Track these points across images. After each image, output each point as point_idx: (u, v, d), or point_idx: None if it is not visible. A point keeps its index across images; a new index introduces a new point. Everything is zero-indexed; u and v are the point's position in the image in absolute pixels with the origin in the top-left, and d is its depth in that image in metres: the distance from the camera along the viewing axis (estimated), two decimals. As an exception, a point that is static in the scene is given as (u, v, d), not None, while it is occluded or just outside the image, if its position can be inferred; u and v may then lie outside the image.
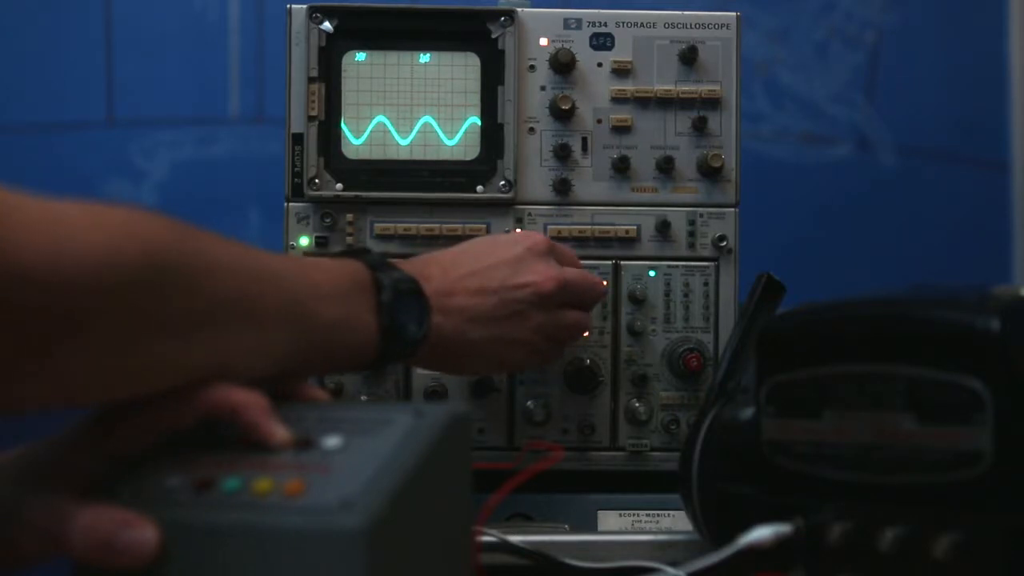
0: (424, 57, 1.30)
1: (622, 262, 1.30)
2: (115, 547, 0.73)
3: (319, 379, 1.26)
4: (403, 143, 1.30)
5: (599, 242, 1.30)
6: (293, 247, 1.28)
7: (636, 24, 1.31)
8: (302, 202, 1.29)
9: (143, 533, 0.73)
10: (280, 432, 0.78)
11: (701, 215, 1.31)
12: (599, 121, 1.31)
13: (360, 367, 0.98)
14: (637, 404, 1.29)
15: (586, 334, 1.29)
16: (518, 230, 1.29)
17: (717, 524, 1.01)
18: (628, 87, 1.31)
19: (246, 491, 0.74)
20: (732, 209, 1.31)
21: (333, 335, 0.92)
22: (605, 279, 1.29)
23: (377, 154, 1.30)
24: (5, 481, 0.80)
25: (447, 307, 1.07)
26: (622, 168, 1.30)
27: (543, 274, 1.14)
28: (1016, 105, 2.75)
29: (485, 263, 1.12)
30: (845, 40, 2.74)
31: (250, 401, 0.79)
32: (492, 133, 1.29)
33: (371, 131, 1.29)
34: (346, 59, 1.29)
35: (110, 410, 0.80)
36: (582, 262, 1.27)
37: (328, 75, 1.29)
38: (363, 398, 1.28)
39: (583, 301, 1.20)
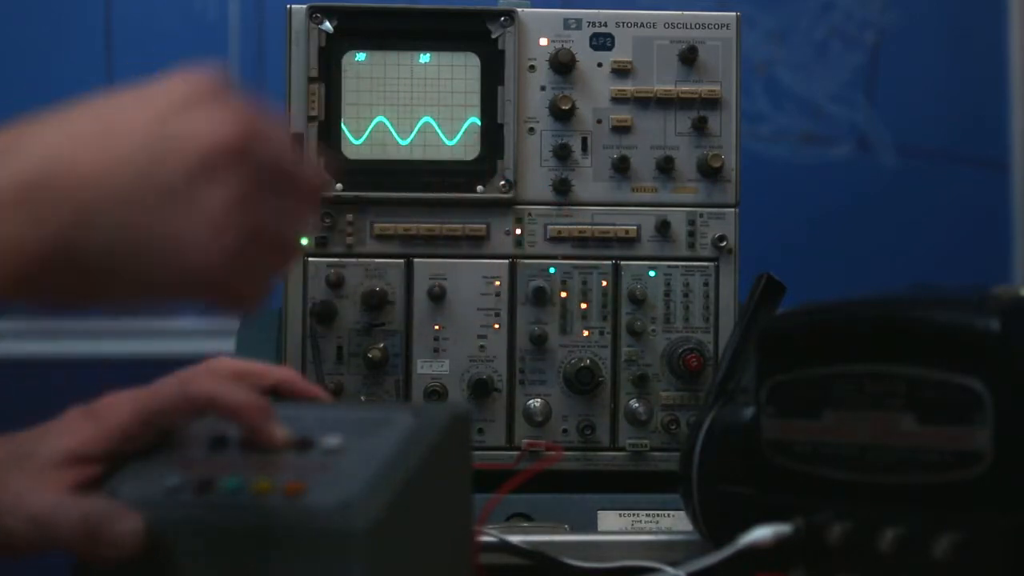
0: (424, 57, 1.30)
1: (622, 262, 1.30)
2: (102, 538, 0.73)
3: (319, 378, 1.26)
4: (403, 143, 1.30)
5: (599, 242, 1.30)
6: (293, 247, 1.28)
7: (636, 24, 1.31)
8: (302, 202, 1.29)
9: (128, 524, 0.73)
10: (280, 432, 0.78)
11: (701, 215, 1.31)
12: (599, 121, 1.30)
13: None
14: (637, 404, 1.29)
15: (586, 333, 1.29)
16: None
17: (717, 524, 1.01)
18: (628, 87, 1.31)
19: (246, 491, 0.74)
20: (732, 209, 1.31)
21: None
22: (605, 279, 1.29)
23: (377, 154, 1.29)
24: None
25: (39, 200, 0.66)
26: (622, 168, 1.30)
27: (218, 121, 0.69)
28: (1016, 105, 2.74)
29: (112, 119, 0.73)
30: (845, 40, 2.74)
31: (250, 402, 0.79)
32: (492, 133, 1.29)
33: (371, 131, 1.29)
34: (346, 59, 1.29)
35: (106, 401, 0.81)
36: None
37: (328, 75, 1.29)
38: (363, 398, 1.28)
39: (290, 185, 0.72)
